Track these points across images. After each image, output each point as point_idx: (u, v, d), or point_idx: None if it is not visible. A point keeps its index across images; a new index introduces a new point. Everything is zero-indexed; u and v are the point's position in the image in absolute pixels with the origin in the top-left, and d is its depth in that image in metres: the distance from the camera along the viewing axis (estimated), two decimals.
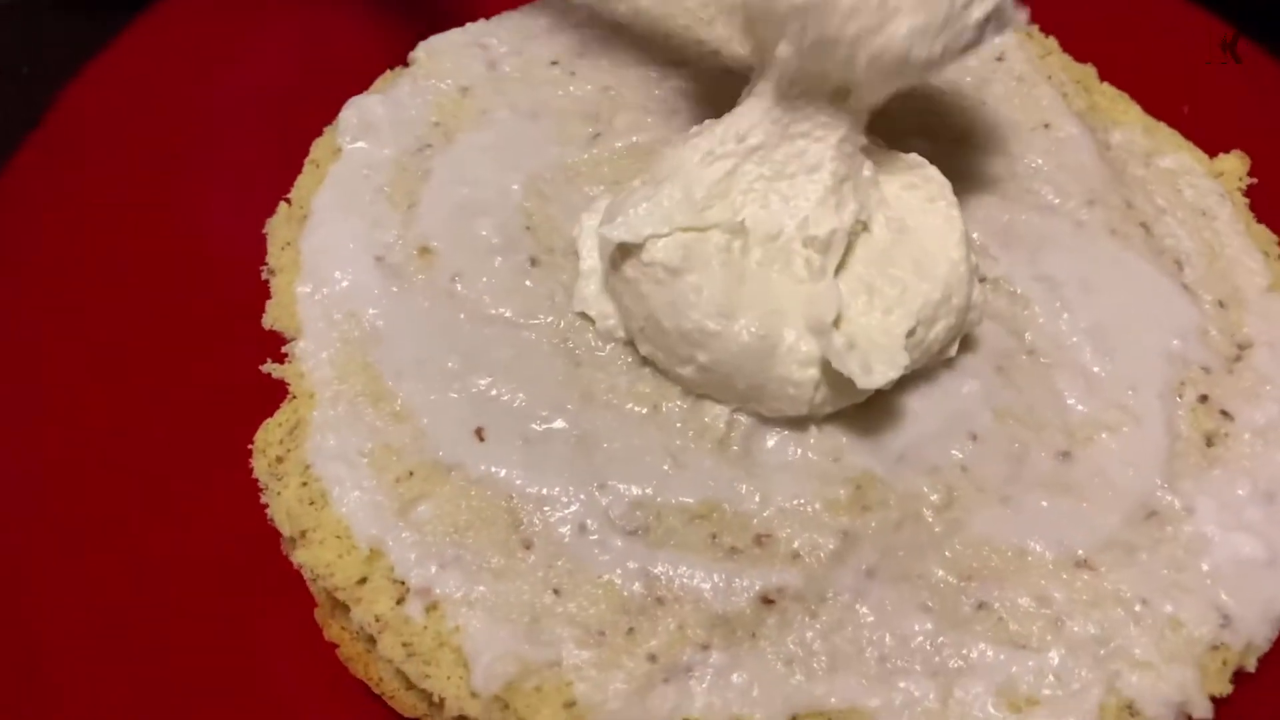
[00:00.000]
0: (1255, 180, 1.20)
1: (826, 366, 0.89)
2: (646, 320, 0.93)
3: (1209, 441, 0.99)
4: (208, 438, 0.99)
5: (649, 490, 0.90)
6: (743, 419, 0.94)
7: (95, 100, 1.16)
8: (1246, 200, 1.18)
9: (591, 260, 1.00)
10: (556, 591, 0.86)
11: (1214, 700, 0.87)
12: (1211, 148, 1.22)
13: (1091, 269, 1.06)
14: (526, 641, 0.84)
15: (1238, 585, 0.91)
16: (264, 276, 1.04)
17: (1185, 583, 0.91)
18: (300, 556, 0.88)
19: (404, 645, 0.85)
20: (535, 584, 0.86)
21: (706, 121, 1.02)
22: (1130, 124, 1.23)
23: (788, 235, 0.92)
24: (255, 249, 1.06)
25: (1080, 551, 0.91)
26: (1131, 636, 0.88)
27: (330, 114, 1.15)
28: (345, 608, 0.91)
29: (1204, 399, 1.01)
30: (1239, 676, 0.89)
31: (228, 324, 1.02)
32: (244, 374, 0.99)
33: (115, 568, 0.93)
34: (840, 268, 0.93)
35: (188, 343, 1.02)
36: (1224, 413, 1.00)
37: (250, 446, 0.95)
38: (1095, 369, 1.01)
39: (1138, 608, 0.89)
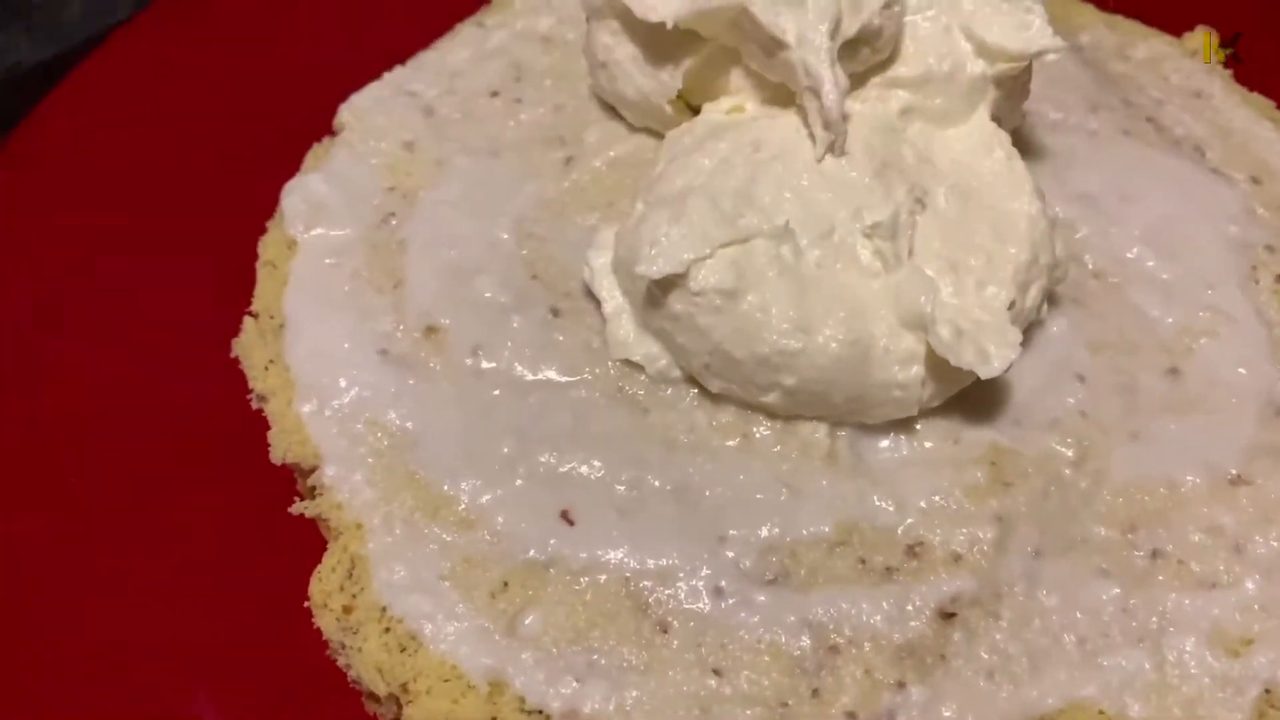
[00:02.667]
0: (1230, 51, 1.16)
1: (929, 359, 0.80)
2: (713, 355, 0.82)
3: None
4: (240, 614, 0.84)
5: (775, 530, 0.80)
6: (843, 429, 0.85)
7: None
8: (1229, 72, 1.15)
9: (614, 301, 0.89)
10: (717, 672, 0.75)
11: None
12: (1174, 29, 1.19)
13: (1122, 176, 1.01)
14: None
15: None
16: (254, 405, 0.89)
17: None
18: (411, 714, 0.75)
19: None
20: (690, 669, 0.75)
21: (697, 126, 0.91)
22: (1092, 24, 1.18)
23: (843, 229, 0.82)
24: (227, 378, 0.91)
25: (1231, 469, 0.85)
26: None
27: (254, 209, 1.00)
28: None
29: None
30: None
31: (224, 471, 0.87)
32: (259, 525, 0.84)
33: None
34: (911, 251, 0.84)
35: (188, 505, 0.86)
36: None
37: (306, 605, 0.80)
38: (1165, 276, 0.95)
39: None
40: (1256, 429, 0.87)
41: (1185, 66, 1.14)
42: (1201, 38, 1.18)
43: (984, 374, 0.78)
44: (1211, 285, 0.95)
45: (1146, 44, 1.17)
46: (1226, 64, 1.16)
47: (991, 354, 0.79)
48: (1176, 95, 1.11)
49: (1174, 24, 1.19)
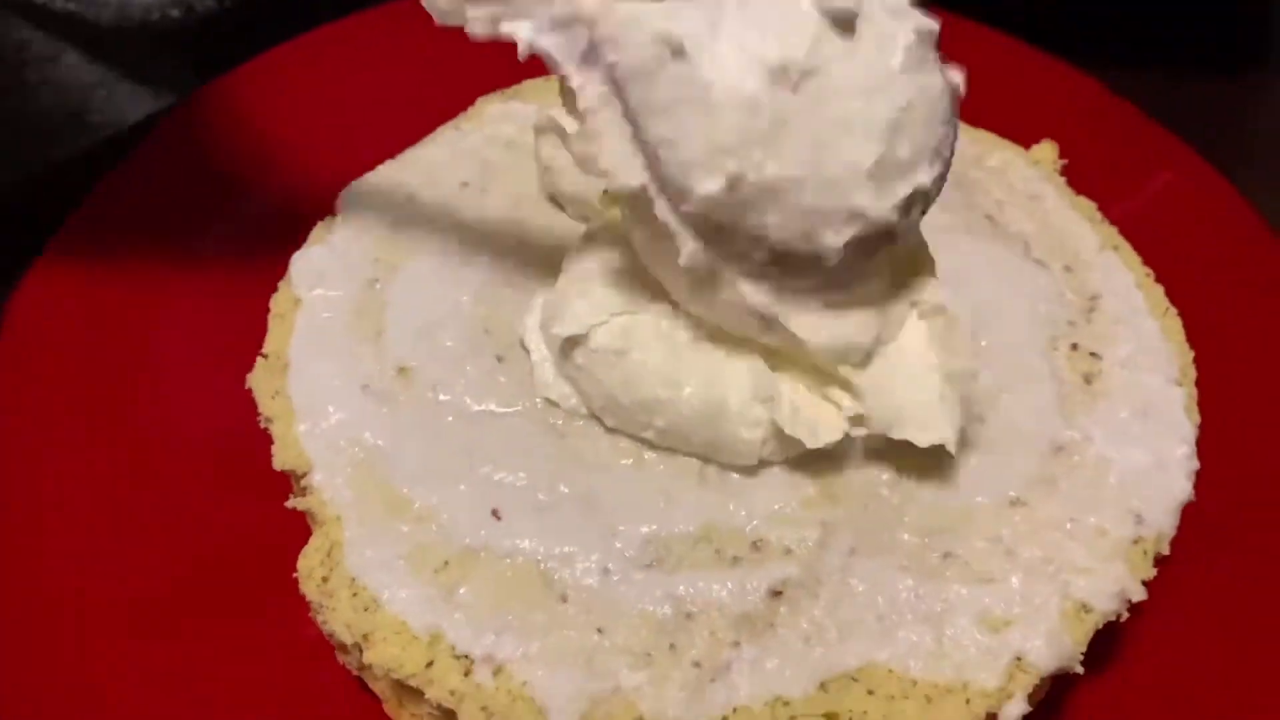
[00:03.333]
0: (1066, 161, 1.43)
1: (773, 426, 1.04)
2: (605, 398, 1.07)
3: (1087, 380, 1.19)
4: (242, 580, 1.10)
5: (654, 527, 1.04)
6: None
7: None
8: (1064, 179, 1.41)
9: (540, 352, 1.14)
10: (600, 630, 0.99)
11: (1144, 583, 1.05)
12: (1025, 141, 1.45)
13: (960, 265, 1.24)
14: (587, 679, 0.96)
15: (1140, 489, 1.10)
16: (261, 425, 1.14)
17: (1101, 497, 1.09)
18: (369, 657, 0.99)
19: (482, 709, 0.96)
20: (580, 629, 0.99)
21: (608, 224, 1.17)
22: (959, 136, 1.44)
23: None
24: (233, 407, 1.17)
25: (1012, 493, 1.09)
26: (1070, 550, 1.06)
27: (268, 273, 1.26)
28: (413, 695, 1.02)
29: (1075, 347, 1.21)
30: (1158, 559, 1.08)
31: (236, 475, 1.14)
32: (262, 515, 1.11)
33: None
34: None
35: (201, 497, 1.13)
36: (1093, 354, 1.21)
37: (294, 576, 1.05)
38: (983, 343, 1.20)
39: (1069, 526, 1.07)
40: (1038, 464, 1.12)
41: (1027, 174, 1.40)
42: (1045, 150, 1.44)
43: (810, 445, 1.02)
44: (1018, 351, 1.20)
45: (999, 154, 1.43)
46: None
47: (820, 434, 1.03)
48: (1016, 197, 1.37)
49: (1025, 137, 1.46)
